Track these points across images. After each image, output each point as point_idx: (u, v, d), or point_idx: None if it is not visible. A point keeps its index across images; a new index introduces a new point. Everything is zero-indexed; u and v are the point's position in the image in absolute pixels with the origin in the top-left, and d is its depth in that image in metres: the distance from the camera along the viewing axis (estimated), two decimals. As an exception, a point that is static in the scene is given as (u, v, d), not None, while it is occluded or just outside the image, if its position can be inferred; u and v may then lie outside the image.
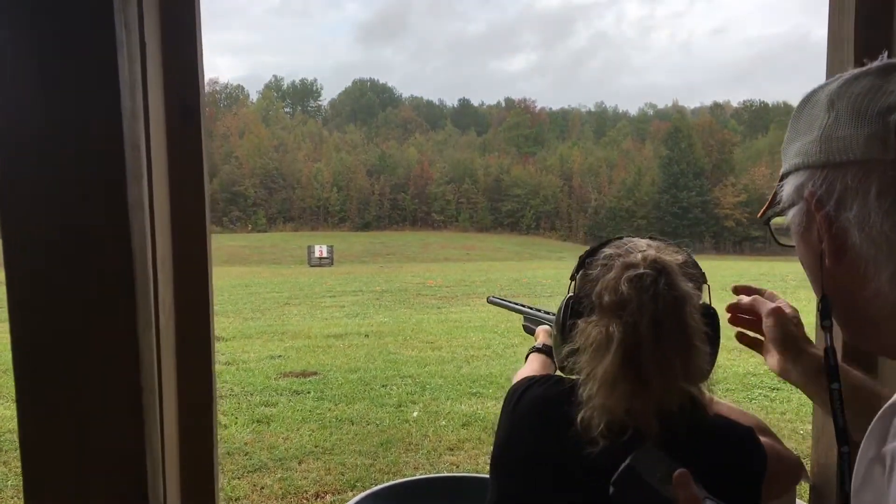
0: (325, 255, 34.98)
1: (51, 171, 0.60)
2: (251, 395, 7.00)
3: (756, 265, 29.50)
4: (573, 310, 1.26)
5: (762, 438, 1.27)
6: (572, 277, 1.34)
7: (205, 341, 1.43)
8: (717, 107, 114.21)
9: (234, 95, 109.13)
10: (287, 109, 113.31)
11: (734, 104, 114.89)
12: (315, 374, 7.96)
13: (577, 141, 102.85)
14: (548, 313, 2.11)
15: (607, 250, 1.27)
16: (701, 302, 1.25)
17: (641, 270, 1.16)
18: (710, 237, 79.11)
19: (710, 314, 1.24)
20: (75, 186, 0.61)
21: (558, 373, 1.42)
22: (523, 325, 2.17)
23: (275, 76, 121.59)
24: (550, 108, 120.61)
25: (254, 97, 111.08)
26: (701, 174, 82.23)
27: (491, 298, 2.47)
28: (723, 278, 20.72)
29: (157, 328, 1.14)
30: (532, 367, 1.73)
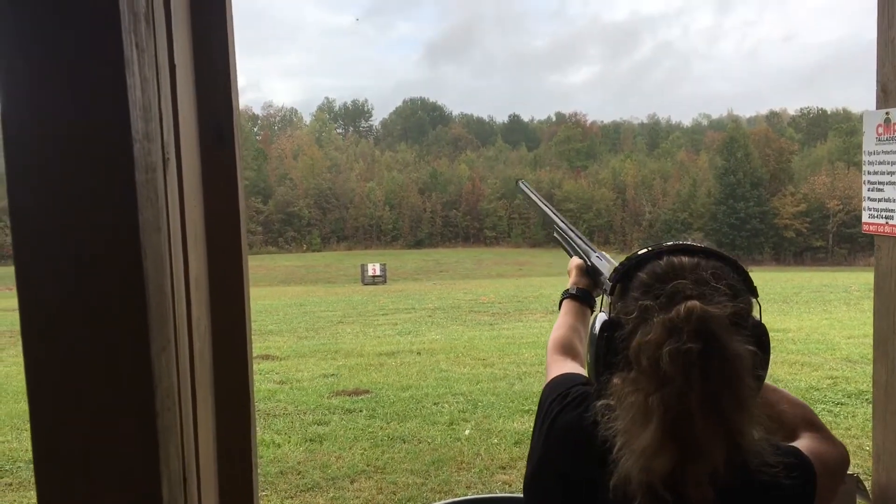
0: (378, 273, 35.23)
1: (60, 196, 0.60)
2: (304, 413, 7.05)
3: (818, 276, 28.68)
4: (608, 347, 1.15)
5: (808, 444, 1.21)
6: (609, 289, 1.23)
7: (242, 362, 1.43)
8: (773, 115, 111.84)
9: (289, 118, 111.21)
10: (339, 130, 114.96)
11: (791, 112, 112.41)
12: (367, 392, 7.99)
13: (630, 153, 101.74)
14: (574, 232, 1.97)
15: (644, 276, 1.16)
16: (751, 318, 1.17)
17: (687, 344, 1.03)
18: (770, 248, 77.19)
19: (759, 333, 1.16)
20: (85, 211, 0.61)
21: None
22: (553, 235, 2.04)
23: (327, 98, 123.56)
24: (602, 122, 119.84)
25: (307, 119, 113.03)
26: (758, 184, 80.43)
27: (521, 184, 2.29)
28: (783, 290, 20.18)
29: (192, 350, 1.14)
30: (566, 322, 1.64)
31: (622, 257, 1.53)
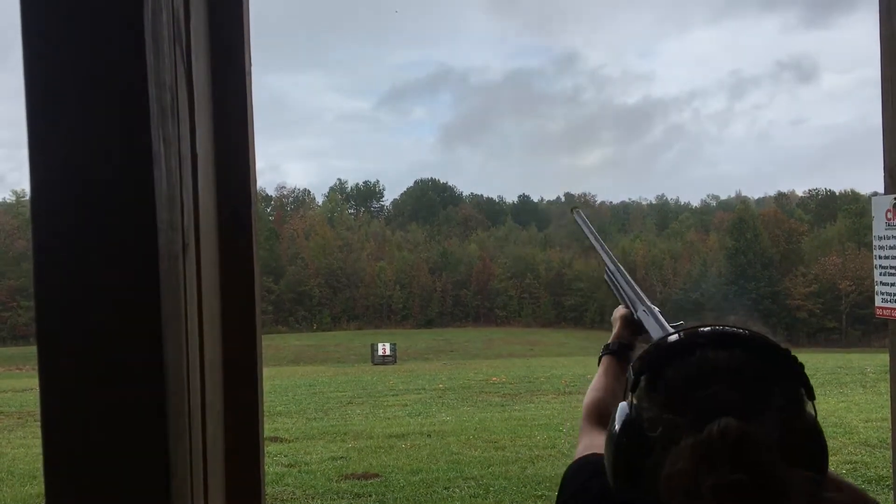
0: (388, 353, 35.02)
1: (85, 286, 0.62)
2: (312, 498, 6.91)
3: (832, 358, 28.28)
4: (629, 455, 0.94)
5: None
6: (632, 385, 0.98)
7: (254, 445, 1.42)
8: (781, 196, 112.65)
9: (301, 199, 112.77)
10: (351, 211, 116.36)
11: (799, 193, 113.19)
12: (377, 476, 7.84)
13: (640, 233, 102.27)
14: (624, 277, 1.73)
15: (672, 375, 0.94)
16: (807, 412, 0.95)
17: (730, 477, 0.83)
18: (783, 329, 76.42)
19: (815, 446, 0.93)
20: (109, 298, 0.62)
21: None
22: (605, 277, 1.82)
23: (339, 179, 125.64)
24: (611, 202, 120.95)
25: (320, 199, 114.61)
26: (769, 264, 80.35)
27: (576, 214, 2.06)
28: (798, 372, 19.88)
29: (204, 433, 1.14)
30: (604, 384, 1.46)
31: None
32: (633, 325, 1.59)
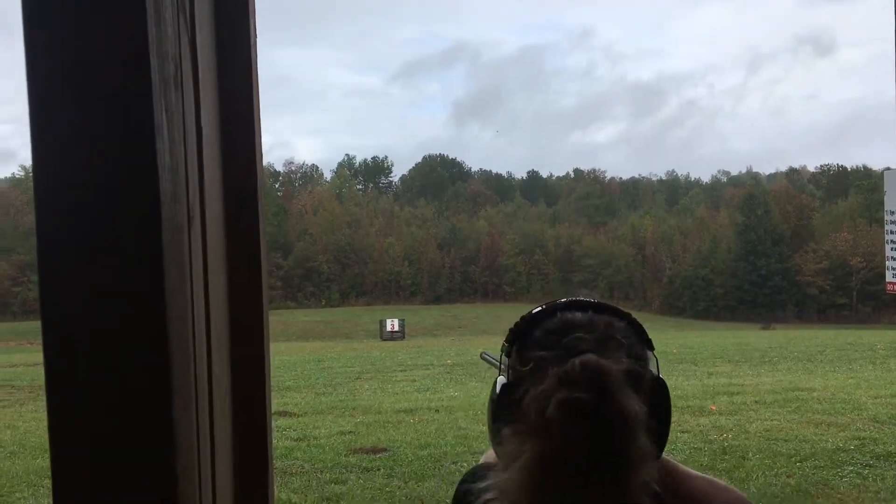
0: (396, 328, 35.20)
1: (88, 256, 0.61)
2: (321, 472, 6.97)
3: (842, 334, 28.25)
4: (505, 406, 1.12)
5: None
6: (506, 351, 1.19)
7: (261, 421, 1.43)
8: (793, 172, 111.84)
9: (309, 174, 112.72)
10: (359, 186, 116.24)
11: (811, 169, 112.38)
12: (385, 450, 7.90)
13: (649, 209, 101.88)
14: None
15: (539, 333, 1.14)
16: (649, 374, 1.13)
17: (576, 394, 1.00)
18: (793, 305, 76.33)
19: (659, 387, 1.12)
20: (112, 271, 0.62)
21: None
22: None
23: (347, 155, 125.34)
24: (621, 178, 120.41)
25: (328, 175, 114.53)
26: (780, 241, 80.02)
27: (484, 355, 2.28)
28: (807, 349, 19.88)
29: (211, 407, 1.15)
30: None
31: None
32: None
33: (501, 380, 1.18)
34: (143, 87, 0.66)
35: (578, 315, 1.15)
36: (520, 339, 1.17)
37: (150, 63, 0.66)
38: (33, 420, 10.13)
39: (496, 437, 1.12)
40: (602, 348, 1.08)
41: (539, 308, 1.21)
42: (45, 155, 0.64)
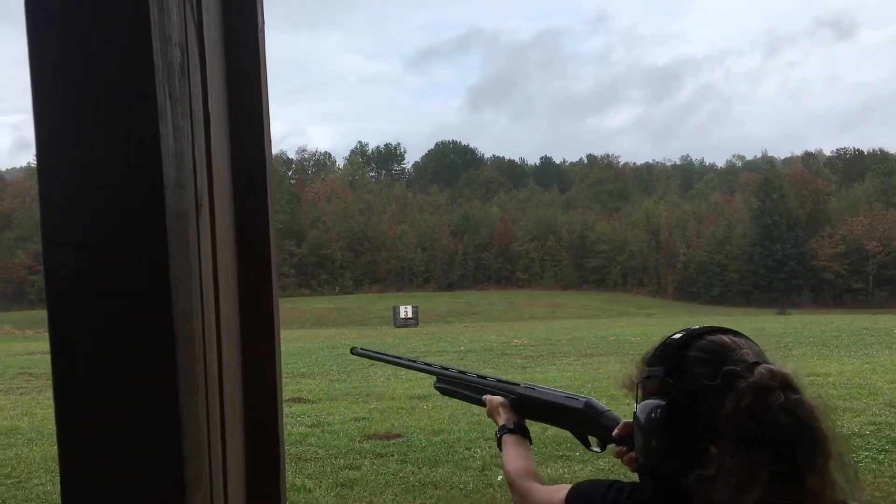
0: (410, 315, 35.23)
1: (92, 242, 0.61)
2: (335, 458, 7.01)
3: (858, 319, 28.02)
4: (679, 423, 1.20)
5: None
6: (667, 377, 1.26)
7: (272, 405, 1.43)
8: (808, 156, 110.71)
9: (322, 162, 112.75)
10: (372, 174, 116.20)
11: (827, 153, 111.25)
12: (399, 436, 7.93)
13: (663, 195, 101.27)
14: (462, 373, 1.99)
15: (699, 354, 1.23)
16: None
17: (793, 396, 1.14)
18: (809, 290, 75.81)
19: None
20: (116, 256, 0.61)
21: (622, 478, 1.37)
22: (436, 386, 2.07)
23: (360, 142, 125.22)
24: (634, 163, 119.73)
25: (340, 163, 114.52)
26: (795, 225, 79.37)
27: (357, 350, 2.31)
28: (823, 333, 19.74)
29: (222, 394, 1.15)
30: (521, 453, 1.68)
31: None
32: (516, 406, 1.81)
33: (655, 402, 1.24)
34: (145, 73, 0.65)
35: (722, 335, 1.27)
36: (669, 360, 1.26)
37: (151, 47, 0.65)
38: (51, 408, 10.18)
39: (697, 459, 1.16)
40: (762, 359, 1.22)
41: (678, 334, 1.30)
42: (46, 141, 0.64)
